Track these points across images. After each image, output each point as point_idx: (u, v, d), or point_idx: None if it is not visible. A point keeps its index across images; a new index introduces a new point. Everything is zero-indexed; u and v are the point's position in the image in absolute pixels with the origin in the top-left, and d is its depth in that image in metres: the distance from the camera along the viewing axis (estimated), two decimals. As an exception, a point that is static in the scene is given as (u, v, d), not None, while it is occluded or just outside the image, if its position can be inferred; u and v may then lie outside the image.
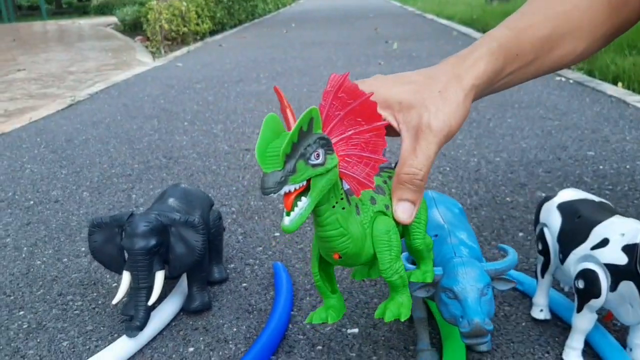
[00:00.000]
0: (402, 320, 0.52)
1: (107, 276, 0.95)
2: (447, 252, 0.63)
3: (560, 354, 0.67)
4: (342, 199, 0.48)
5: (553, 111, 1.81)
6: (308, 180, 0.44)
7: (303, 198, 0.44)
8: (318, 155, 0.44)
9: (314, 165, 0.44)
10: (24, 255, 1.05)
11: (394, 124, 0.55)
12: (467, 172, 1.32)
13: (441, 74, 0.57)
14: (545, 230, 0.70)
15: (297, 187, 0.43)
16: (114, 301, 0.77)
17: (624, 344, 0.67)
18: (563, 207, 0.69)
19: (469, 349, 0.68)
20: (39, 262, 1.02)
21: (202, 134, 1.82)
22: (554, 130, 1.61)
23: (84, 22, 10.35)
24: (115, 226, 0.78)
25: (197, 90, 2.63)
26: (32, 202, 1.32)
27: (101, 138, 1.87)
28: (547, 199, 0.72)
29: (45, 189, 1.40)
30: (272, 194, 0.42)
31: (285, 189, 0.42)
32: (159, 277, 0.76)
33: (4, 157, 1.72)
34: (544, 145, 1.48)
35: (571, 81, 2.28)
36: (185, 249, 0.77)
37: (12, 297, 0.91)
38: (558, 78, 2.35)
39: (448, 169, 1.35)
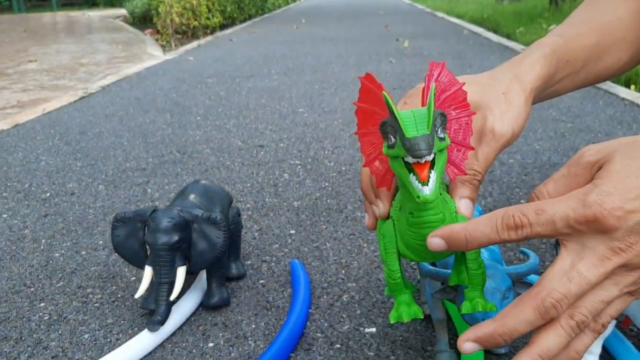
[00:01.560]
0: (493, 310, 0.51)
1: (126, 270, 0.96)
2: (468, 255, 0.64)
3: None
4: (441, 181, 0.46)
5: (566, 113, 1.82)
6: None
7: (432, 171, 0.41)
8: (442, 132, 0.43)
9: (440, 139, 0.42)
10: (42, 247, 1.06)
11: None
12: (481, 173, 1.32)
13: (503, 75, 0.58)
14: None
15: (431, 157, 0.41)
16: (137, 295, 0.78)
17: (641, 349, 0.67)
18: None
19: (487, 351, 0.69)
20: (57, 255, 1.03)
21: (215, 129, 1.83)
22: (567, 132, 1.61)
23: (94, 14, 10.37)
24: (138, 221, 0.79)
25: (209, 85, 2.64)
26: (48, 194, 1.33)
27: (114, 131, 1.88)
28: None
29: (61, 181, 1.41)
30: (427, 157, 0.40)
31: (426, 158, 0.40)
32: (181, 272, 0.77)
33: (19, 149, 1.73)
34: (558, 147, 1.48)
35: (584, 83, 2.28)
36: (207, 245, 0.78)
37: (32, 289, 0.92)
38: (570, 80, 2.35)
39: (462, 169, 1.35)
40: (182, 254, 0.77)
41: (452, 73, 0.46)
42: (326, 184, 1.31)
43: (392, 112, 0.41)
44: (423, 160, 0.40)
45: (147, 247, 0.78)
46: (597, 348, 0.66)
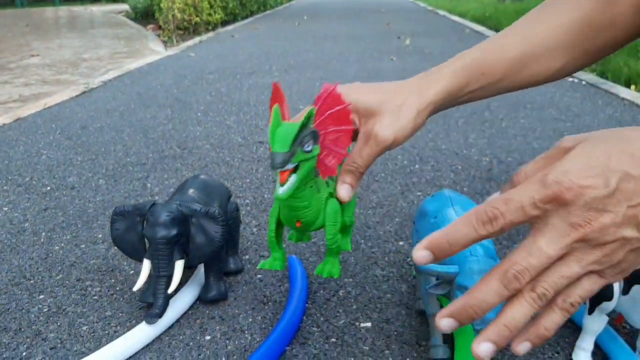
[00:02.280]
0: (336, 277, 0.68)
1: (125, 263, 0.97)
2: (463, 251, 0.65)
3: (570, 355, 0.69)
4: (312, 178, 0.61)
5: (566, 113, 1.82)
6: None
7: (292, 175, 0.56)
8: (310, 145, 0.57)
9: (306, 152, 0.57)
10: (42, 240, 1.07)
11: (357, 125, 0.65)
12: (479, 171, 1.33)
13: (408, 87, 0.67)
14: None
15: (292, 167, 0.56)
16: (135, 288, 0.79)
17: (633, 346, 0.68)
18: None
19: (481, 346, 0.70)
20: (57, 248, 1.04)
21: (216, 125, 1.84)
22: (566, 132, 1.61)
23: (96, 9, 10.37)
24: (137, 215, 0.80)
25: (210, 81, 2.64)
26: (49, 188, 1.34)
27: (115, 126, 1.89)
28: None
29: (62, 175, 1.42)
30: (279, 169, 0.55)
31: (287, 166, 0.55)
32: (179, 266, 0.78)
33: (20, 143, 1.74)
34: (556, 146, 1.48)
35: (584, 83, 2.28)
36: (205, 240, 0.79)
37: (31, 281, 0.93)
38: (571, 79, 2.36)
39: (460, 167, 1.36)
40: (180, 248, 0.78)
41: (339, 95, 0.60)
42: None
43: (272, 127, 0.56)
44: (281, 170, 0.55)
45: (146, 240, 0.79)
46: (588, 344, 0.67)
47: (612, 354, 0.68)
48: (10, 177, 1.43)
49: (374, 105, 0.64)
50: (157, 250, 0.76)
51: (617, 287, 0.62)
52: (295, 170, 0.57)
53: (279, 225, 0.67)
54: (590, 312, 0.65)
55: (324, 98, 0.60)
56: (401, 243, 1.00)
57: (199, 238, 0.79)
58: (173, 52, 3.80)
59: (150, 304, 0.78)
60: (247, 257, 0.97)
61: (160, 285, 0.77)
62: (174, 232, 0.76)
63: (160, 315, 0.75)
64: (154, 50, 4.17)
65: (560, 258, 0.41)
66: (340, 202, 0.66)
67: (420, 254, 0.44)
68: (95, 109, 2.17)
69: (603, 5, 0.72)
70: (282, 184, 0.56)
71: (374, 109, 0.64)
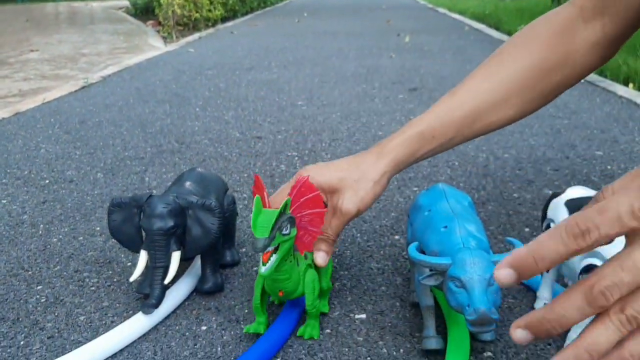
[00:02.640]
0: (316, 338, 0.74)
1: (122, 255, 0.97)
2: (455, 243, 0.66)
3: (562, 346, 0.70)
4: (291, 255, 0.71)
5: (563, 110, 1.83)
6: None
7: (273, 255, 0.66)
8: (287, 229, 0.67)
9: (284, 235, 0.67)
10: (40, 233, 1.08)
11: (329, 202, 0.75)
12: (476, 167, 1.34)
13: (363, 162, 0.75)
14: (552, 225, 0.72)
15: (272, 248, 0.66)
16: (132, 278, 0.80)
17: (624, 338, 0.69)
18: (570, 204, 0.71)
19: (473, 338, 0.71)
20: (55, 240, 1.05)
21: (214, 120, 1.85)
22: (563, 128, 1.62)
23: (96, 5, 10.36)
24: (134, 206, 0.81)
25: (209, 77, 2.65)
26: (47, 181, 1.35)
27: (114, 121, 1.90)
28: (555, 195, 0.74)
29: (60, 169, 1.43)
30: (261, 252, 0.65)
31: (268, 249, 0.65)
32: (175, 257, 0.78)
33: (19, 137, 1.74)
34: (553, 143, 1.49)
35: (582, 80, 2.29)
36: (202, 231, 0.80)
37: (30, 272, 0.93)
38: (569, 77, 2.36)
39: (457, 163, 1.37)
40: (176, 239, 0.79)
41: (311, 184, 0.72)
42: (322, 175, 1.32)
43: (254, 215, 0.66)
44: (263, 252, 0.65)
45: (143, 232, 0.80)
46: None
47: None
48: (9, 171, 1.43)
49: (335, 183, 0.74)
50: (154, 242, 0.77)
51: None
52: (275, 250, 0.67)
53: (264, 293, 0.74)
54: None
55: (298, 187, 0.71)
56: (397, 237, 1.01)
57: (195, 230, 0.80)
58: (172, 48, 3.80)
59: (147, 295, 0.79)
60: (243, 250, 0.98)
61: (157, 276, 0.78)
62: (170, 223, 0.77)
63: (156, 305, 0.76)
64: (153, 46, 4.17)
65: None
66: (317, 268, 0.75)
67: (503, 273, 0.39)
68: (94, 103, 2.18)
69: (555, 46, 0.74)
70: (264, 263, 0.66)
71: (335, 187, 0.74)
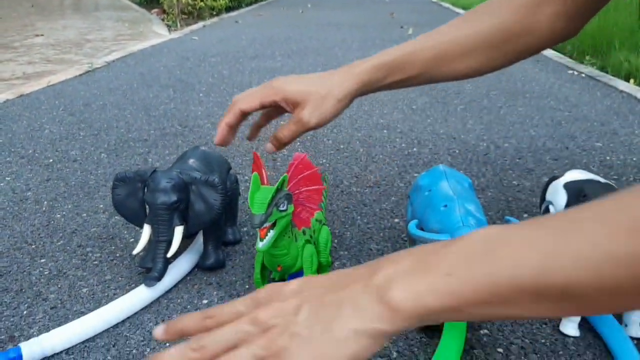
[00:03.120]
0: None
1: (125, 232, 0.99)
2: (455, 221, 0.67)
3: (558, 326, 0.71)
4: (289, 230, 0.72)
5: (564, 103, 1.84)
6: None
7: (271, 231, 0.69)
8: (284, 205, 0.69)
9: (281, 211, 0.69)
10: (44, 209, 1.09)
11: (290, 110, 0.78)
12: (476, 155, 1.35)
13: (330, 79, 0.78)
14: (551, 207, 0.73)
15: (269, 224, 0.68)
16: (135, 251, 0.81)
17: (620, 320, 0.70)
18: (569, 187, 0.72)
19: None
20: (58, 216, 1.06)
21: (217, 106, 1.85)
22: (563, 120, 1.63)
23: (100, -8, 10.32)
24: (138, 181, 0.82)
25: (213, 64, 2.66)
26: (51, 160, 1.36)
27: (118, 104, 1.90)
28: (554, 178, 0.75)
29: (64, 149, 1.44)
30: (258, 228, 0.67)
31: (265, 225, 0.67)
32: (178, 231, 0.79)
33: (24, 117, 1.75)
34: (553, 134, 1.50)
35: (583, 75, 2.30)
36: (204, 207, 0.81)
37: (33, 246, 0.95)
38: (570, 71, 2.37)
39: (457, 151, 1.38)
40: (180, 214, 0.80)
41: (309, 161, 0.75)
42: (324, 160, 1.34)
43: (251, 191, 0.68)
44: (260, 227, 0.67)
45: (147, 206, 0.81)
46: (575, 316, 0.69)
47: (599, 326, 0.70)
48: (13, 150, 1.44)
49: (302, 95, 0.76)
50: (157, 216, 0.78)
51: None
52: (273, 226, 0.69)
53: (264, 268, 0.76)
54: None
55: (295, 164, 0.73)
56: (396, 220, 1.02)
57: (198, 205, 0.81)
58: (177, 36, 3.81)
59: (149, 269, 0.80)
60: (244, 229, 0.99)
61: (159, 249, 0.79)
62: (174, 198, 0.78)
63: (159, 278, 0.77)
64: (157, 33, 4.17)
65: None
66: (317, 244, 0.78)
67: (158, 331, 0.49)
68: (98, 87, 2.19)
69: (523, 14, 0.78)
70: (261, 239, 0.68)
71: (302, 99, 0.76)
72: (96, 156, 1.38)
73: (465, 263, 0.40)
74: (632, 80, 2.23)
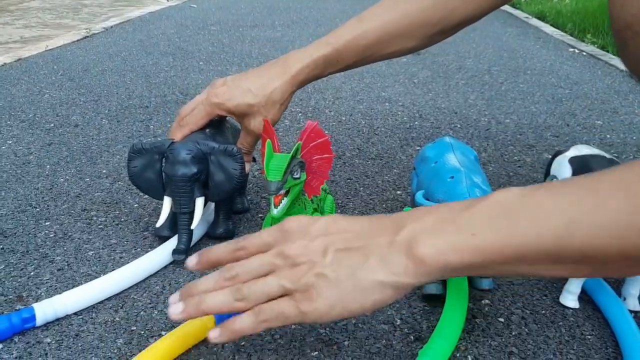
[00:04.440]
0: None
1: (129, 197, 0.99)
2: (461, 193, 0.67)
3: (557, 298, 0.72)
4: (300, 198, 0.74)
5: (565, 80, 1.84)
6: None
7: (285, 198, 0.70)
8: (298, 173, 0.71)
9: (295, 179, 0.70)
10: (47, 173, 1.09)
11: (238, 120, 0.86)
12: (478, 130, 1.35)
13: (269, 84, 0.81)
14: (555, 181, 0.74)
15: (284, 192, 0.70)
16: (158, 224, 0.81)
17: (619, 293, 0.71)
18: (574, 161, 0.72)
19: (472, 286, 0.73)
20: (62, 180, 1.06)
21: (217, 75, 1.84)
22: (564, 98, 1.63)
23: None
24: (156, 153, 0.81)
25: (212, 32, 2.63)
26: (52, 125, 1.35)
27: (118, 70, 1.89)
28: (560, 152, 0.76)
29: (65, 114, 1.43)
30: (274, 195, 0.69)
31: (280, 192, 0.69)
32: (199, 203, 0.79)
33: (23, 82, 1.74)
34: (554, 111, 1.51)
35: (584, 53, 2.29)
36: (224, 177, 0.80)
37: (37, 209, 0.95)
38: (571, 50, 2.37)
39: (459, 125, 1.38)
40: (200, 185, 0.79)
41: (320, 129, 0.74)
42: (326, 131, 1.34)
43: (266, 159, 0.70)
44: (275, 194, 0.69)
45: (165, 178, 0.80)
46: (576, 288, 0.70)
47: (598, 299, 0.71)
48: (13, 113, 1.44)
49: (245, 109, 0.82)
50: (178, 188, 0.77)
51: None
52: (286, 194, 0.70)
53: None
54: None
55: (307, 133, 0.74)
56: (399, 192, 1.03)
57: (218, 176, 0.80)
58: (175, 3, 3.76)
59: (164, 238, 0.81)
60: (249, 197, 1.00)
61: (183, 222, 0.78)
62: (194, 170, 0.77)
63: (185, 251, 0.78)
64: (155, 0, 4.12)
65: None
66: (323, 213, 0.82)
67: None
68: (97, 53, 2.17)
69: None
70: (276, 206, 0.70)
71: (246, 112, 0.82)
72: (97, 122, 1.38)
73: (489, 224, 0.42)
74: (632, 60, 2.22)
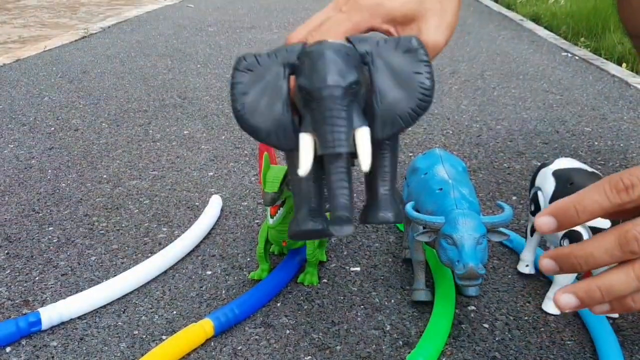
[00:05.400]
0: (315, 284, 0.80)
1: (129, 202, 1.02)
2: (449, 205, 0.71)
3: (540, 304, 0.76)
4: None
5: (556, 85, 1.87)
6: None
7: (281, 208, 0.73)
8: None
9: (290, 189, 0.71)
10: (49, 177, 1.12)
11: (395, 35, 0.54)
12: (469, 136, 1.39)
13: None
14: (539, 193, 0.77)
15: (280, 202, 0.72)
16: (301, 172, 0.46)
17: (597, 299, 0.75)
18: (558, 174, 0.76)
19: (459, 292, 0.76)
20: (63, 185, 1.09)
21: (215, 78, 1.87)
22: (555, 104, 1.67)
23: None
24: (280, 64, 0.48)
25: (210, 34, 2.66)
26: (53, 129, 1.38)
27: (116, 72, 1.92)
28: (544, 165, 0.79)
29: (65, 117, 1.46)
30: (270, 206, 0.72)
31: (277, 202, 0.72)
32: (363, 136, 0.46)
33: (22, 83, 1.77)
34: (544, 117, 1.54)
35: (577, 57, 2.33)
36: (402, 91, 0.48)
37: (40, 214, 0.98)
38: (564, 53, 2.40)
39: (451, 132, 1.41)
40: (359, 108, 0.47)
41: None
42: (321, 136, 1.37)
43: (263, 171, 0.71)
44: (272, 205, 0.71)
45: (302, 101, 0.46)
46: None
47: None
48: (14, 117, 1.46)
49: (414, 7, 0.52)
50: (330, 110, 0.45)
51: (586, 244, 0.68)
52: (282, 204, 0.72)
53: (267, 242, 0.79)
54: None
55: None
56: (391, 198, 1.06)
57: (388, 89, 0.48)
58: (172, 2, 3.78)
59: (309, 232, 0.51)
60: (245, 203, 1.03)
61: (338, 170, 0.46)
62: (351, 77, 0.45)
63: (350, 219, 0.46)
64: (152, -2, 4.14)
65: None
66: None
67: (544, 220, 0.39)
68: (95, 54, 2.19)
69: None
70: (272, 216, 0.73)
71: (414, 13, 0.52)
72: (97, 125, 1.41)
73: None
74: (624, 65, 2.26)
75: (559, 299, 0.38)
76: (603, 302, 0.38)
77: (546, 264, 0.39)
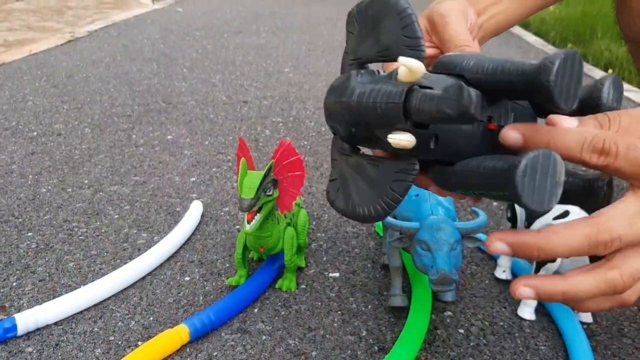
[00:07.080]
0: (292, 291, 0.80)
1: (109, 208, 1.02)
2: (425, 210, 0.71)
3: (516, 310, 0.76)
4: (273, 214, 0.77)
5: (540, 91, 1.88)
6: None
7: (257, 214, 0.73)
8: (271, 190, 0.74)
9: (267, 195, 0.73)
10: (29, 182, 1.11)
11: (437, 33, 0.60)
12: (452, 142, 1.39)
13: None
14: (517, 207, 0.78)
15: (257, 208, 0.72)
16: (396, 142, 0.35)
17: (572, 304, 0.75)
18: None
19: (436, 298, 0.77)
20: (44, 190, 1.08)
21: (201, 82, 1.87)
22: (538, 109, 1.68)
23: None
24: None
25: (197, 38, 2.66)
26: (35, 133, 1.38)
27: (101, 77, 1.91)
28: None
29: (48, 122, 1.46)
30: (246, 212, 0.71)
31: (254, 208, 0.71)
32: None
33: (6, 87, 1.76)
34: (527, 123, 1.55)
35: (562, 63, 2.34)
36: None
37: (20, 220, 0.98)
38: (550, 59, 2.42)
39: (434, 137, 1.42)
40: None
41: (293, 148, 0.77)
42: (305, 142, 1.37)
43: (240, 177, 0.72)
44: (248, 211, 0.71)
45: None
46: (532, 301, 0.74)
47: (552, 310, 0.75)
48: (-3, 121, 1.46)
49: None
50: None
51: (560, 250, 0.69)
52: (259, 210, 0.73)
53: (245, 248, 0.80)
54: (536, 272, 0.72)
55: (281, 151, 0.76)
56: (372, 204, 1.06)
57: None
58: (160, 6, 3.78)
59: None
60: (226, 209, 1.03)
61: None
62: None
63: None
64: (140, 2, 4.13)
65: None
66: (295, 226, 0.83)
67: (497, 246, 0.37)
68: (81, 58, 2.19)
69: None
70: (249, 222, 0.73)
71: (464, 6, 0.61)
72: (80, 130, 1.40)
73: None
74: (610, 71, 2.28)
75: (515, 291, 0.36)
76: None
77: (497, 246, 0.36)
